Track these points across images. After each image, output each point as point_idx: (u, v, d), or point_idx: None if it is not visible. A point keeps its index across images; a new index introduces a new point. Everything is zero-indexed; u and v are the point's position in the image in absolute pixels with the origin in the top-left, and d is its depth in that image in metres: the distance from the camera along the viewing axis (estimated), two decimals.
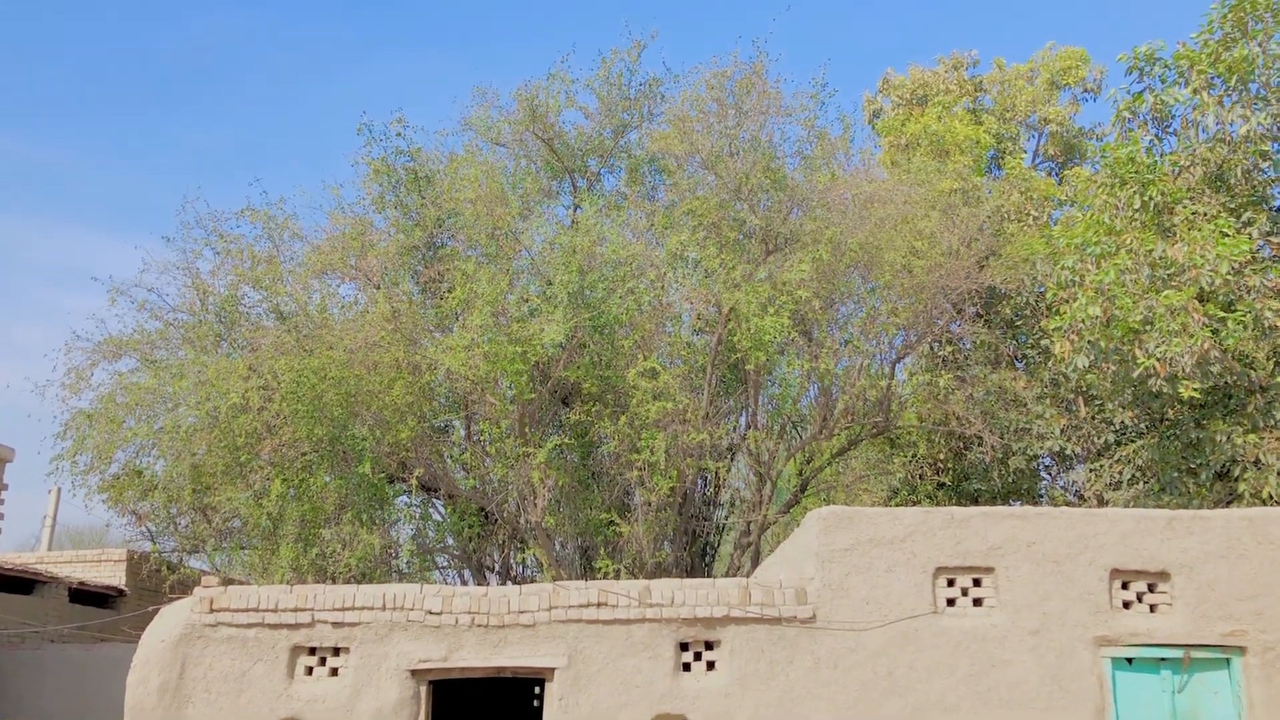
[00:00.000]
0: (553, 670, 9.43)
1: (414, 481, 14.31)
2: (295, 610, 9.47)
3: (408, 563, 15.60)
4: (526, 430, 14.74)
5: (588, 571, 15.63)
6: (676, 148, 16.31)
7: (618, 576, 14.07)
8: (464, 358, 13.73)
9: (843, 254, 15.88)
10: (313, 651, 9.51)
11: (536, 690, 9.73)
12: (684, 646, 9.62)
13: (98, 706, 12.67)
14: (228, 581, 10.58)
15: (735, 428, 17.05)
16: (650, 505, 14.72)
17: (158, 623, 9.69)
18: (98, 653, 15.63)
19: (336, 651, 9.51)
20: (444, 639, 9.46)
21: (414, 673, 9.39)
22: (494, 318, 14.21)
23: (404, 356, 14.70)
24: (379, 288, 15.77)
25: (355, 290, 16.80)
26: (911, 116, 19.25)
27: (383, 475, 15.26)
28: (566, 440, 15.30)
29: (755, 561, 15.70)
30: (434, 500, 16.73)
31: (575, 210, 17.67)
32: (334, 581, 13.49)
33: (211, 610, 9.50)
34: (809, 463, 17.92)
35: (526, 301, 15.20)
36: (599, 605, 9.60)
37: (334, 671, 9.48)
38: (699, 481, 16.65)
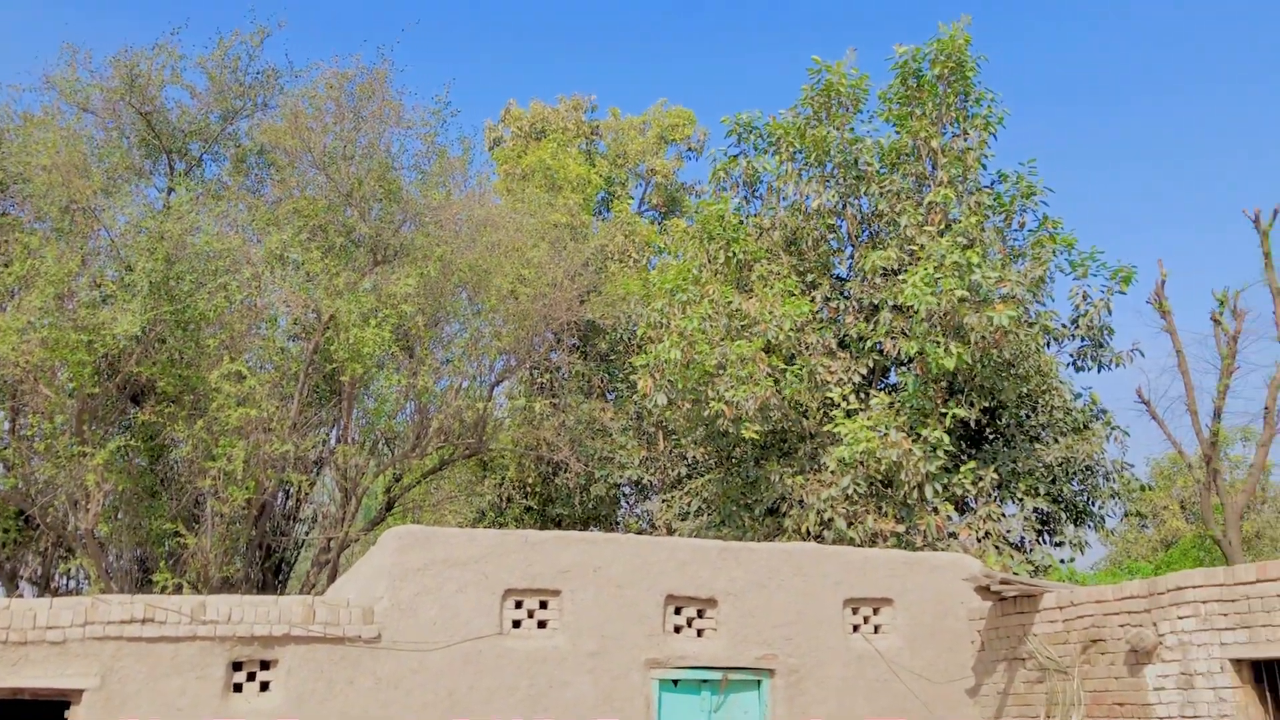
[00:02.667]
0: (81, 692, 8.54)
1: None
2: None
3: None
4: (85, 428, 13.39)
5: (145, 585, 14.42)
6: (288, 143, 15.65)
7: (179, 591, 13.08)
8: (15, 341, 12.25)
9: (451, 273, 15.92)
10: None
11: (66, 716, 8.75)
12: (238, 666, 9.08)
13: None
14: None
15: (325, 440, 16.50)
16: (223, 516, 13.86)
17: None
18: None
19: None
20: None
21: None
22: (58, 300, 12.82)
23: None
24: None
25: None
26: (529, 149, 19.75)
27: None
28: (132, 442, 14.08)
29: (332, 579, 15.20)
30: None
31: (169, 194, 16.38)
32: None
33: None
34: (398, 481, 17.72)
35: (100, 286, 13.89)
36: (144, 621, 8.82)
37: None
38: (280, 494, 15.92)
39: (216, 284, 13.97)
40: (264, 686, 9.11)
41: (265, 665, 9.15)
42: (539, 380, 19.15)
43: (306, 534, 17.41)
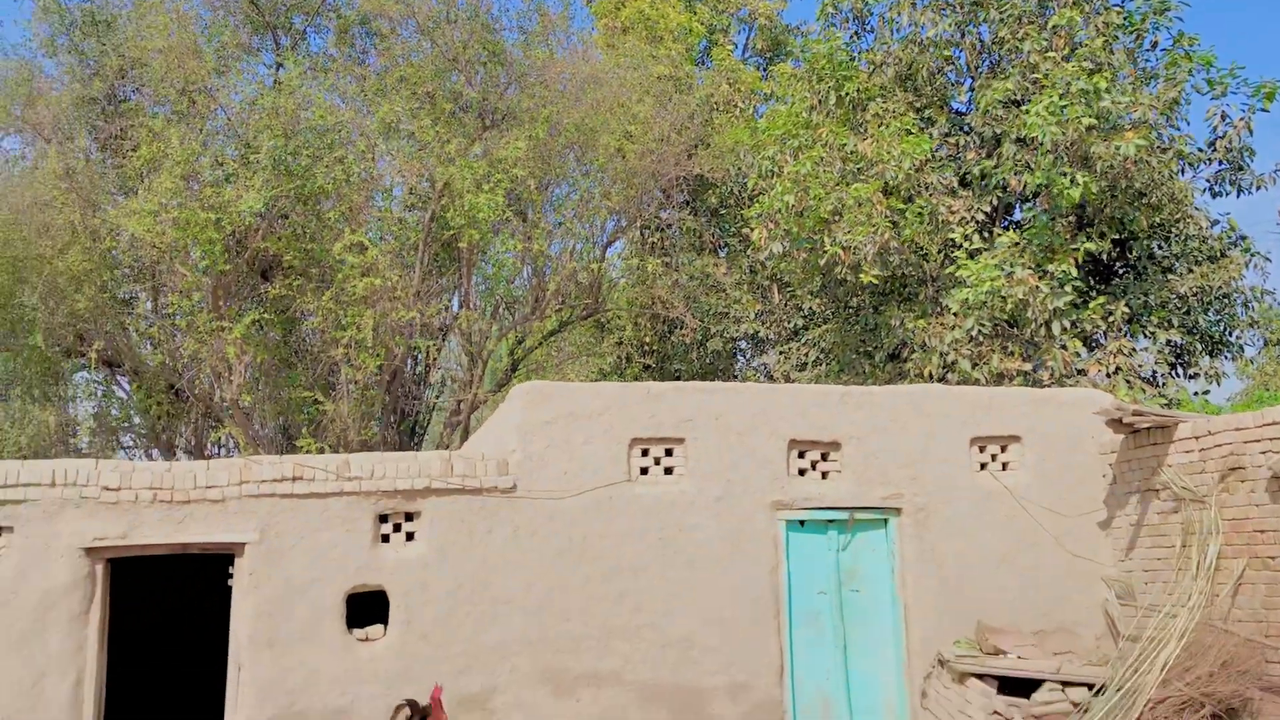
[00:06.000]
0: (243, 545, 9.14)
1: (93, 356, 13.30)
2: None
3: (89, 441, 14.58)
4: (221, 304, 13.96)
5: (290, 450, 15.18)
6: (391, 9, 15.58)
7: (321, 454, 13.74)
8: (150, 223, 12.75)
9: (559, 134, 15.85)
10: None
11: (230, 570, 9.39)
12: (384, 519, 9.56)
13: None
14: None
15: (447, 307, 16.89)
16: (357, 383, 14.41)
17: None
18: None
19: None
20: (123, 516, 8.92)
21: (88, 551, 8.81)
22: (185, 181, 13.24)
23: (80, 220, 13.46)
24: (50, 142, 14.24)
25: (22, 144, 15.14)
26: (627, 1, 19.24)
27: (57, 349, 14.07)
28: (266, 315, 14.62)
29: (464, 440, 15.76)
30: (118, 377, 15.64)
31: (278, 70, 16.57)
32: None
33: None
34: (520, 343, 18.08)
35: (222, 165, 14.25)
36: (294, 479, 9.32)
37: None
38: (409, 360, 16.43)
39: (333, 158, 14.21)
40: (409, 537, 9.59)
41: (409, 517, 9.61)
42: (650, 239, 19.11)
43: (437, 397, 18.01)
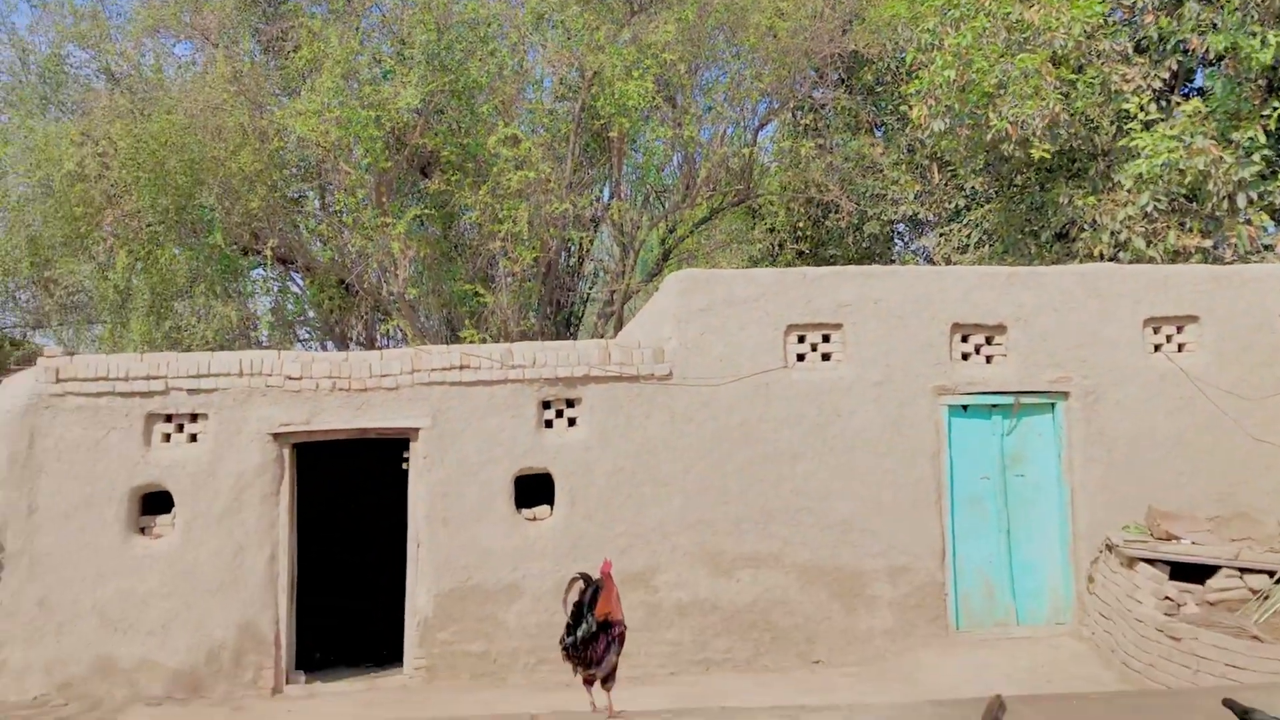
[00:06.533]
0: (417, 430, 9.59)
1: (269, 253, 13.91)
2: (148, 378, 9.27)
3: (267, 335, 15.38)
4: (384, 200, 14.36)
5: (453, 341, 15.69)
6: None
7: (484, 344, 14.15)
8: (314, 123, 13.13)
9: (708, 15, 15.48)
10: (169, 419, 9.41)
11: (404, 455, 9.87)
12: (546, 405, 9.85)
13: None
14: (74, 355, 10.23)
15: (599, 197, 16.95)
16: (514, 276, 14.70)
17: (0, 395, 9.40)
18: None
19: (194, 418, 9.43)
20: (305, 403, 9.46)
21: (276, 436, 9.41)
22: (345, 80, 13.53)
23: (249, 121, 13.97)
24: (218, 46, 14.75)
25: (192, 50, 15.74)
26: None
27: (235, 247, 14.78)
28: (426, 210, 14.99)
29: (618, 329, 15.97)
30: (292, 273, 16.36)
31: None
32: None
33: (59, 380, 9.23)
34: (672, 232, 18.04)
35: (379, 63, 14.49)
36: (461, 368, 9.69)
37: (192, 438, 9.42)
38: (563, 252, 16.63)
39: (486, 51, 14.28)
40: (571, 423, 9.87)
41: (570, 404, 9.88)
42: (803, 121, 18.59)
43: (590, 288, 18.22)
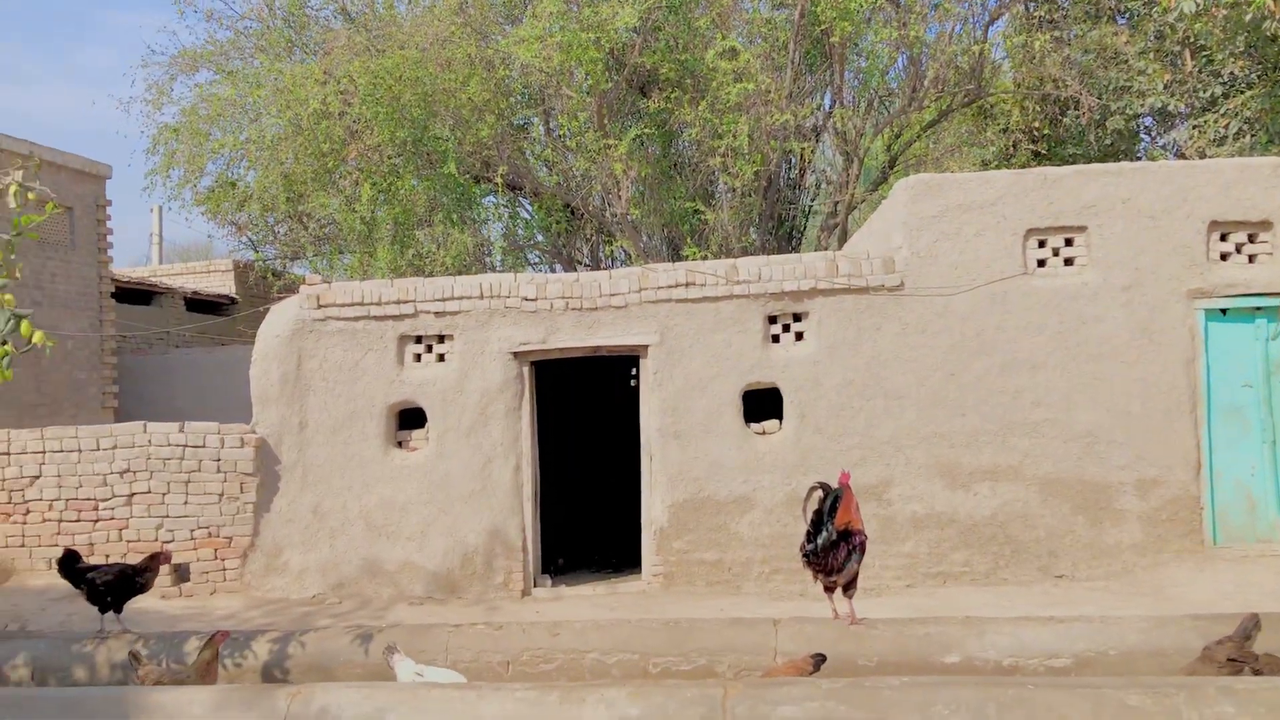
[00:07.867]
0: (646, 347, 9.80)
1: (499, 180, 14.40)
2: (398, 302, 9.88)
3: (500, 260, 16.00)
4: (606, 122, 14.54)
5: (675, 260, 15.84)
6: None
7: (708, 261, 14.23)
8: (537, 49, 13.39)
9: None
10: (419, 340, 10.01)
11: (633, 371, 10.13)
12: (773, 320, 9.84)
13: (223, 403, 13.63)
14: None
15: (820, 106, 16.56)
16: (735, 191, 14.65)
17: (270, 320, 10.23)
18: (218, 355, 16.66)
19: (441, 339, 9.98)
20: (541, 323, 9.83)
21: (515, 355, 9.85)
22: (565, 3, 13.70)
23: (476, 51, 14.40)
24: None
25: None
26: None
27: (468, 175, 15.37)
28: (646, 130, 15.07)
29: (842, 242, 15.68)
30: (520, 198, 16.89)
31: None
32: None
33: (319, 306, 9.96)
34: (898, 138, 17.42)
35: None
36: (687, 285, 9.79)
37: (440, 358, 10.00)
38: (784, 165, 16.39)
39: None
40: (798, 337, 9.83)
41: (797, 318, 9.82)
42: (1037, 13, 17.42)
43: (812, 201, 17.92)
